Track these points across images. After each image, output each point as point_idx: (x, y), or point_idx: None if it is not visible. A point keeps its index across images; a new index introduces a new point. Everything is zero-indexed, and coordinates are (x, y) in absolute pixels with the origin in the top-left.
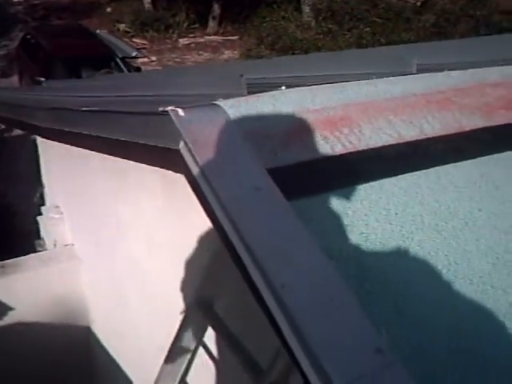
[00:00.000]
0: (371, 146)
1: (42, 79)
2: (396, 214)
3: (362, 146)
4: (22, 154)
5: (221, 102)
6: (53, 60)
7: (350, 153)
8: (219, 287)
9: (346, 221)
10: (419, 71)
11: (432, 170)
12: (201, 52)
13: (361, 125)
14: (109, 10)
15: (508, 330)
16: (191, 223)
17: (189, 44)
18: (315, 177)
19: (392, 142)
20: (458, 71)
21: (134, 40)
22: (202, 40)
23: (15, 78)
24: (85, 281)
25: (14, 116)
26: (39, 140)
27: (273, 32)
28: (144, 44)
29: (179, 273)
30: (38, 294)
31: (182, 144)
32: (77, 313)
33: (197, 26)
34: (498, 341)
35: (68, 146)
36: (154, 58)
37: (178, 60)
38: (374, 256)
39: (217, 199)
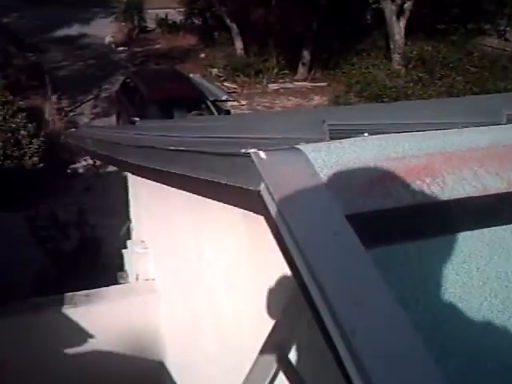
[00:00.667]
0: (454, 197)
1: (137, 119)
2: (478, 268)
3: (444, 196)
4: (113, 189)
5: (302, 146)
6: (148, 102)
7: (432, 203)
8: (293, 332)
9: (424, 272)
10: (509, 121)
11: None
12: (290, 97)
13: (444, 175)
14: (202, 55)
15: None
16: (270, 264)
17: (278, 89)
18: (395, 225)
19: (476, 193)
20: None
21: (225, 84)
22: (291, 85)
23: (113, 119)
24: (163, 315)
25: (108, 153)
26: (129, 176)
27: (362, 79)
28: (234, 88)
29: (255, 313)
30: (118, 324)
31: (262, 186)
32: (152, 346)
33: (286, 71)
34: None
35: (155, 182)
36: (243, 102)
37: (267, 104)
38: (450, 310)
39: (294, 243)
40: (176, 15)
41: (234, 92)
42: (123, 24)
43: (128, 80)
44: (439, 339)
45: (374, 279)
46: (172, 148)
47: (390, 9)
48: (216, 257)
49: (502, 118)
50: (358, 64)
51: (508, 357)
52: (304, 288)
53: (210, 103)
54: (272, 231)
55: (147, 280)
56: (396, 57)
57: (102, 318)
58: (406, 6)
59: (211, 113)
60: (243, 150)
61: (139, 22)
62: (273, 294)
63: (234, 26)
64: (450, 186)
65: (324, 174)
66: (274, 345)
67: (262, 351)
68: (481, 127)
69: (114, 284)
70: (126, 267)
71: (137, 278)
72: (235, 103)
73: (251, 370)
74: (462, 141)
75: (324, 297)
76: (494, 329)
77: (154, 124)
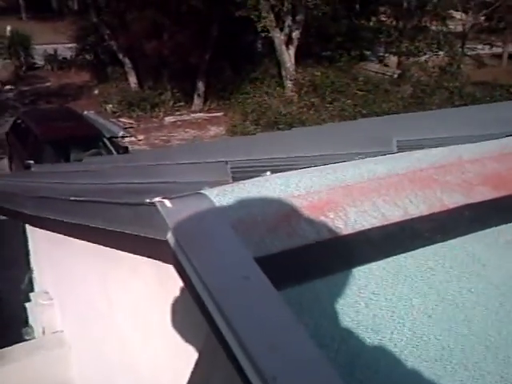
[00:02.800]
0: (357, 230)
1: (31, 162)
2: (386, 298)
3: (348, 229)
4: (11, 239)
5: (207, 191)
6: (42, 143)
7: (337, 237)
8: (212, 377)
9: (336, 308)
10: (400, 149)
11: (419, 250)
12: (187, 129)
13: (346, 208)
14: (96, 91)
15: None
16: (184, 310)
17: (175, 122)
18: (303, 263)
19: (377, 224)
20: (437, 148)
21: (121, 120)
22: (187, 117)
23: (4, 162)
24: (75, 369)
25: (3, 204)
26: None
27: (257, 108)
28: (131, 123)
29: (171, 360)
30: None
31: (169, 235)
32: None
33: (182, 103)
34: None
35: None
36: (141, 137)
37: (164, 138)
38: (364, 343)
39: (205, 290)
40: (66, 51)
41: (130, 127)
42: (8, 61)
43: (19, 121)
44: (356, 374)
45: (288, 321)
46: (72, 198)
47: (278, 38)
48: (127, 304)
49: (392, 146)
50: (253, 92)
51: (422, 381)
52: (219, 336)
53: (106, 141)
54: (182, 279)
55: (54, 333)
56: (288, 83)
57: (8, 381)
58: (294, 34)
59: (109, 150)
60: (147, 200)
61: (26, 59)
62: (189, 339)
63: (126, 61)
64: (352, 219)
65: (230, 218)
66: None
67: None
68: (376, 157)
69: (18, 342)
70: (31, 322)
71: (43, 332)
72: (133, 139)
73: None
74: (361, 172)
75: (240, 344)
76: (405, 357)
77: (50, 168)
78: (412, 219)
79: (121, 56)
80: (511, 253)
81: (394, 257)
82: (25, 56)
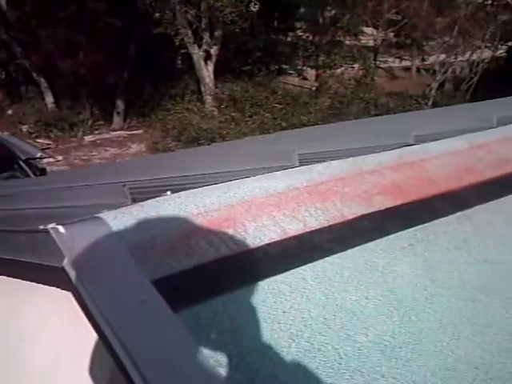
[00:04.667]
0: (256, 245)
1: None
2: (284, 312)
3: (247, 245)
4: None
5: (103, 215)
6: None
7: (235, 254)
8: None
9: (234, 325)
10: (301, 162)
11: (318, 262)
12: (107, 148)
13: (245, 224)
14: (10, 112)
15: None
16: (91, 337)
17: (94, 141)
18: (201, 283)
19: (277, 238)
20: (338, 161)
21: (38, 140)
22: (107, 136)
23: None
24: None
25: None
26: None
27: (178, 124)
28: (48, 144)
29: None
30: None
31: (65, 261)
32: None
33: (102, 122)
34: None
35: None
36: (59, 158)
37: (84, 157)
38: (263, 359)
39: (102, 317)
40: None
41: (48, 148)
42: None
43: None
44: None
45: (186, 344)
46: None
47: (197, 54)
48: (40, 333)
49: (294, 159)
50: (173, 109)
51: None
52: (118, 361)
53: (22, 163)
54: (80, 306)
55: None
56: (208, 99)
57: None
58: (212, 50)
59: (25, 173)
60: (41, 226)
61: None
62: (98, 365)
63: (41, 80)
64: (251, 235)
65: (127, 241)
66: None
67: None
68: (277, 172)
69: None
70: None
71: None
72: (51, 159)
73: None
74: (260, 188)
75: (139, 370)
76: (303, 369)
77: None
78: (311, 232)
79: (35, 75)
80: (407, 259)
81: (293, 270)
82: None
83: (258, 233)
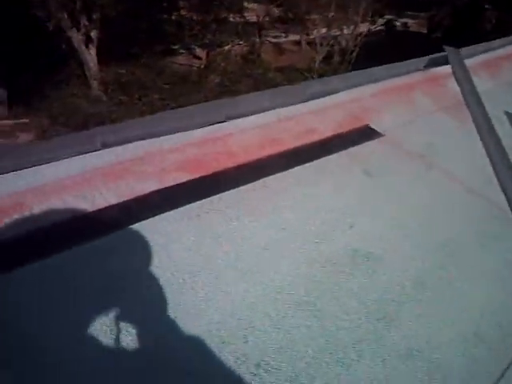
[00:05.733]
0: (41, 225)
1: None
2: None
3: (31, 227)
4: None
5: None
6: None
7: (15, 236)
8: None
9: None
10: (103, 146)
11: (105, 238)
12: None
13: (33, 207)
14: None
15: None
16: None
17: None
18: None
19: (65, 218)
20: (139, 141)
21: None
22: None
23: None
24: None
25: None
26: None
27: (65, 110)
28: None
29: None
30: None
31: None
32: None
33: None
34: None
35: None
36: None
37: None
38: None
39: None
40: None
41: None
42: None
43: None
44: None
45: None
46: None
47: (76, 38)
48: None
49: (96, 143)
50: (59, 95)
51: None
52: None
53: None
54: None
55: None
56: (94, 83)
57: None
58: (92, 34)
59: None
60: None
61: None
62: None
63: None
64: (38, 216)
65: None
66: None
67: None
68: (74, 157)
69: None
70: None
71: None
72: None
73: None
74: (56, 171)
75: None
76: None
77: None
78: (99, 209)
79: None
80: (194, 229)
81: (77, 248)
82: None
83: (46, 214)
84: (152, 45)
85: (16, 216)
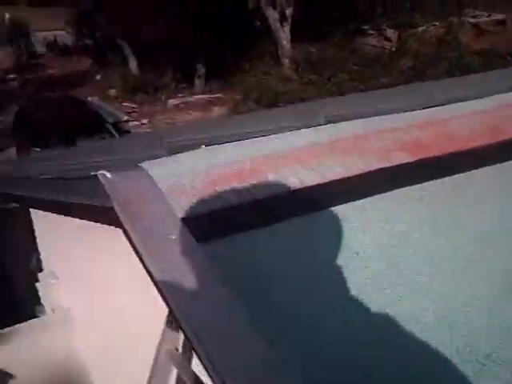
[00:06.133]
0: (275, 193)
1: (37, 149)
2: (298, 253)
3: (267, 193)
4: (20, 224)
5: (143, 164)
6: (46, 131)
7: (256, 200)
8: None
9: (253, 260)
10: (328, 122)
11: (333, 209)
12: (190, 111)
13: (267, 175)
14: (98, 77)
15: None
16: None
17: (178, 104)
18: (225, 222)
19: (296, 187)
20: (359, 120)
21: (124, 104)
22: (190, 99)
23: (12, 151)
24: (81, 345)
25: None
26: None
27: (257, 86)
28: (133, 108)
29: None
30: (37, 361)
31: (114, 203)
32: (76, 379)
33: (184, 85)
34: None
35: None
36: (144, 121)
37: (168, 121)
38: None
39: (141, 248)
40: (66, 37)
41: (133, 111)
42: (9, 49)
43: (23, 110)
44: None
45: (206, 273)
46: (42, 177)
47: (272, 16)
48: (123, 275)
49: (320, 119)
50: (252, 71)
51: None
52: (153, 280)
53: (110, 126)
54: (128, 240)
55: (62, 310)
56: (285, 61)
57: (20, 356)
58: (287, 12)
59: (112, 135)
60: (92, 173)
61: (27, 47)
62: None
63: (125, 45)
64: (272, 184)
65: (162, 186)
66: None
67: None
68: (300, 130)
69: (30, 319)
70: (42, 300)
71: (53, 310)
72: (136, 123)
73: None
74: (282, 144)
75: (164, 291)
76: (317, 302)
77: (47, 154)
78: (328, 182)
79: (119, 40)
80: (416, 209)
81: (308, 216)
82: (25, 44)
83: (277, 182)
84: (344, 24)
85: (253, 181)
